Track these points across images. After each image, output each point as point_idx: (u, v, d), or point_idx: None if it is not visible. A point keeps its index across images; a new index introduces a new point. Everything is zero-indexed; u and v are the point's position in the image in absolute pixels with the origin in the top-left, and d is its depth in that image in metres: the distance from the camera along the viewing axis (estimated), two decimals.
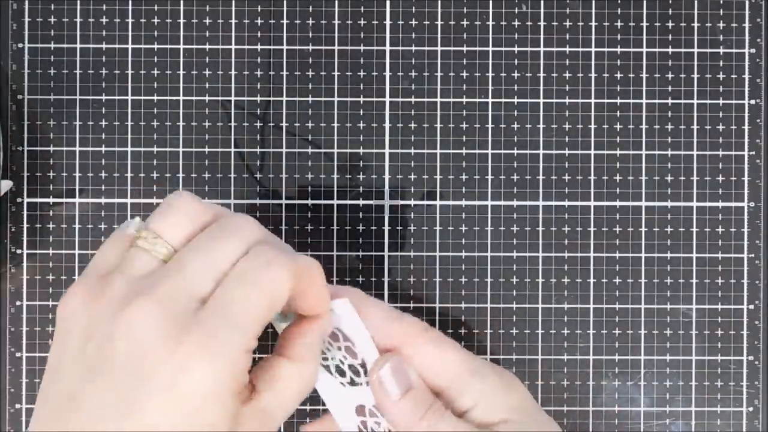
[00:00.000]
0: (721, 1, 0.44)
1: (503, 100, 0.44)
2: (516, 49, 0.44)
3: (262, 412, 0.31)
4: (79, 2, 0.44)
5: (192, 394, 0.28)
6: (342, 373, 0.36)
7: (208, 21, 0.44)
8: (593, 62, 0.44)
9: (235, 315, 0.29)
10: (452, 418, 0.34)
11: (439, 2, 0.44)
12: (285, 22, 0.44)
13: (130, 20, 0.44)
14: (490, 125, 0.44)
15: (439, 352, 0.35)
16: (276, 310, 0.30)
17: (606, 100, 0.44)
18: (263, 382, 0.32)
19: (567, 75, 0.44)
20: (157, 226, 0.31)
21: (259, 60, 0.44)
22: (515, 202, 0.44)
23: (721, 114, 0.44)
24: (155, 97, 0.44)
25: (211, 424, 0.28)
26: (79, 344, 0.30)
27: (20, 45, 0.44)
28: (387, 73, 0.44)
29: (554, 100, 0.44)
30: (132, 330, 0.29)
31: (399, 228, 0.44)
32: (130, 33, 0.44)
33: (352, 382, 0.35)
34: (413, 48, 0.44)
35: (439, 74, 0.44)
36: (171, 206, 0.32)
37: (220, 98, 0.44)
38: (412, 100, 0.44)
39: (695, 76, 0.44)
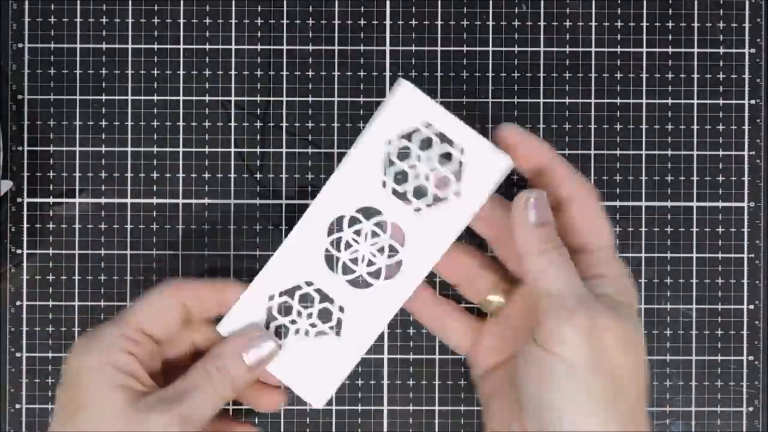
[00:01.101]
0: (721, 1, 0.44)
1: (503, 100, 0.44)
2: (516, 49, 0.44)
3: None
4: (79, 2, 0.44)
5: None
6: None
7: (208, 21, 0.44)
8: (593, 62, 0.44)
9: None
10: (572, 268, 0.34)
11: (439, 2, 0.44)
12: (285, 22, 0.44)
13: (130, 20, 0.44)
14: (490, 125, 0.44)
15: (600, 215, 0.36)
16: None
17: (606, 100, 0.44)
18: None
19: (567, 75, 0.44)
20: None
21: (259, 60, 0.44)
22: None
23: (721, 114, 0.44)
24: (155, 97, 0.44)
25: None
26: None
27: (20, 45, 0.44)
28: (387, 73, 0.44)
29: (554, 100, 0.44)
30: None
31: None
32: (130, 33, 0.44)
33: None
34: (413, 48, 0.44)
35: (439, 74, 0.44)
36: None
37: (220, 98, 0.44)
38: None
39: (695, 76, 0.44)
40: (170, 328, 0.37)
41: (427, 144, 0.37)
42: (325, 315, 0.39)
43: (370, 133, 0.37)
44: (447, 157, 0.37)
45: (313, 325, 0.39)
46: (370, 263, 0.38)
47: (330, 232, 0.38)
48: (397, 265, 0.38)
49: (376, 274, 0.38)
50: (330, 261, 0.38)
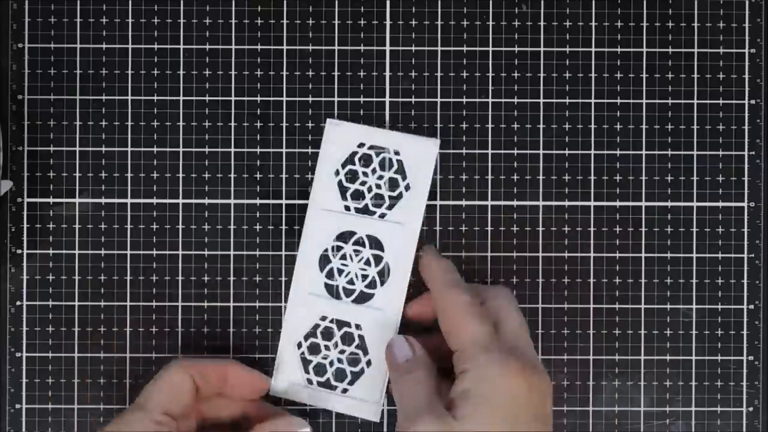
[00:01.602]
0: (721, 1, 0.44)
1: (503, 100, 0.44)
2: (516, 49, 0.44)
3: None
4: (79, 2, 0.44)
5: None
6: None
7: (208, 21, 0.44)
8: (593, 62, 0.44)
9: None
10: (426, 387, 0.38)
11: (439, 2, 0.44)
12: (285, 22, 0.44)
13: (130, 20, 0.44)
14: (490, 125, 0.44)
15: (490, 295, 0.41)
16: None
17: (606, 100, 0.44)
18: None
19: (567, 75, 0.44)
20: None
21: (259, 60, 0.44)
22: (515, 202, 0.44)
23: (721, 114, 0.44)
24: (155, 97, 0.44)
25: None
26: None
27: (20, 45, 0.44)
28: (387, 73, 0.44)
29: (554, 100, 0.44)
30: None
31: None
32: (130, 33, 0.44)
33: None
34: (413, 48, 0.44)
35: (439, 74, 0.44)
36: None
37: (220, 98, 0.44)
38: (412, 100, 0.44)
39: (695, 76, 0.44)
40: (186, 404, 0.39)
41: (368, 159, 0.43)
42: (347, 338, 0.43)
43: (318, 175, 0.43)
44: (389, 162, 0.43)
45: (342, 351, 0.43)
46: (364, 277, 0.43)
47: (321, 268, 0.43)
48: (386, 267, 0.43)
49: (372, 284, 0.43)
50: (331, 290, 0.43)
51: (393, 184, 0.43)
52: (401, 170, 0.43)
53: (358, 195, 0.43)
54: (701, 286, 0.44)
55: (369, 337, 0.43)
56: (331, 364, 0.43)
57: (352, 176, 0.43)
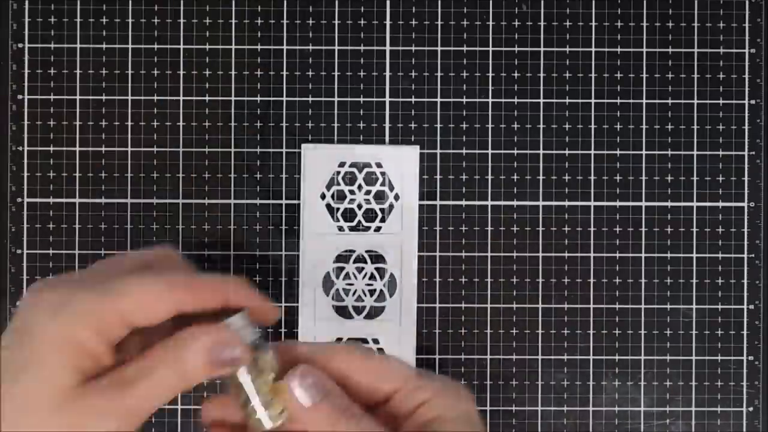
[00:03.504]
0: (721, 1, 0.44)
1: (503, 100, 0.44)
2: (516, 49, 0.44)
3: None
4: (79, 2, 0.44)
5: None
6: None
7: (208, 21, 0.44)
8: (593, 62, 0.44)
9: None
10: (371, 421, 0.30)
11: (439, 2, 0.44)
12: (285, 22, 0.44)
13: (130, 20, 0.44)
14: (490, 125, 0.44)
15: (380, 360, 0.33)
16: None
17: (606, 100, 0.44)
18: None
19: (567, 75, 0.44)
20: None
21: (259, 60, 0.44)
22: (515, 202, 0.44)
23: (721, 114, 0.44)
24: (155, 97, 0.44)
25: None
26: None
27: (20, 45, 0.44)
28: (387, 73, 0.44)
29: (554, 100, 0.44)
30: None
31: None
32: (130, 33, 0.44)
33: None
34: (413, 48, 0.44)
35: (439, 74, 0.44)
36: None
37: (220, 98, 0.44)
38: (412, 100, 0.44)
39: (695, 76, 0.44)
40: (154, 322, 0.31)
41: (352, 177, 0.43)
42: None
43: (304, 201, 0.43)
44: (373, 176, 0.44)
45: None
46: (372, 292, 0.43)
47: (326, 292, 0.43)
48: (392, 277, 0.43)
49: (381, 297, 0.43)
50: (341, 311, 0.43)
51: (381, 197, 0.44)
52: (387, 182, 0.44)
53: (348, 213, 0.44)
54: (701, 286, 0.44)
55: (388, 349, 0.43)
56: None
57: (340, 196, 0.44)
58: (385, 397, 0.32)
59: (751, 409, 0.44)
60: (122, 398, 0.29)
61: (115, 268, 0.32)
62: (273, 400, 0.30)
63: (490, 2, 0.44)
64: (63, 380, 0.29)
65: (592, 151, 0.44)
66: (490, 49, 0.44)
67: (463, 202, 0.44)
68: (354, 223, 0.44)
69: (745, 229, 0.44)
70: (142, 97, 0.44)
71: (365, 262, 0.44)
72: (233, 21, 0.44)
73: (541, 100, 0.44)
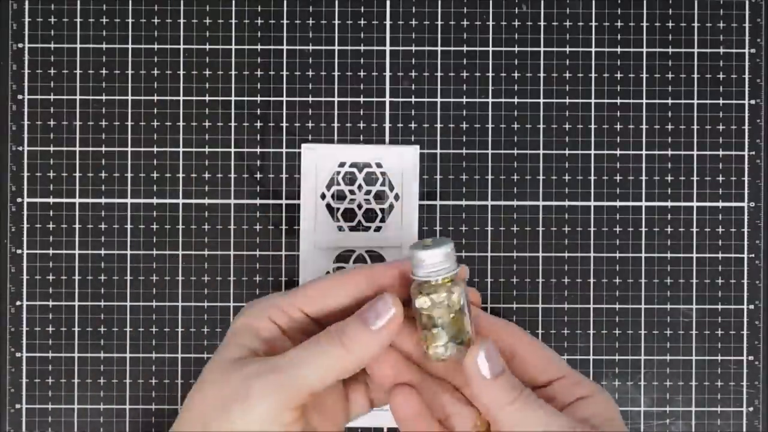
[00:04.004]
0: (721, 1, 0.44)
1: (503, 100, 0.44)
2: (516, 49, 0.44)
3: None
4: (79, 2, 0.44)
5: None
6: None
7: (208, 21, 0.44)
8: (593, 62, 0.44)
9: None
10: (544, 405, 0.33)
11: (439, 2, 0.44)
12: (285, 22, 0.44)
13: (130, 20, 0.44)
14: (490, 125, 0.44)
15: (548, 349, 0.35)
16: None
17: (606, 100, 0.44)
18: None
19: (567, 75, 0.44)
20: None
21: (259, 60, 0.44)
22: (515, 202, 0.44)
23: (721, 114, 0.44)
24: (155, 97, 0.44)
25: None
26: None
27: (20, 45, 0.44)
28: (387, 73, 0.44)
29: (554, 100, 0.44)
30: None
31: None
32: (130, 33, 0.44)
33: None
34: (413, 48, 0.44)
35: (439, 74, 0.44)
36: None
37: (220, 98, 0.44)
38: (412, 100, 0.44)
39: (695, 76, 0.44)
40: (330, 314, 0.34)
41: (352, 177, 0.43)
42: None
43: (304, 201, 0.43)
44: (374, 176, 0.44)
45: None
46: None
47: None
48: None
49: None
50: None
51: (381, 197, 0.44)
52: (387, 182, 0.44)
53: (348, 213, 0.44)
54: (701, 286, 0.44)
55: None
56: None
57: (340, 196, 0.44)
58: (544, 384, 0.34)
59: (751, 409, 0.44)
60: (280, 375, 0.32)
61: None
62: (456, 334, 0.32)
63: (490, 2, 0.44)
64: (229, 362, 0.33)
65: (592, 151, 0.44)
66: (490, 49, 0.44)
67: (463, 202, 0.44)
68: (354, 223, 0.44)
69: (745, 229, 0.44)
70: (142, 97, 0.44)
71: (365, 262, 0.43)
72: (233, 21, 0.44)
73: (541, 100, 0.44)
